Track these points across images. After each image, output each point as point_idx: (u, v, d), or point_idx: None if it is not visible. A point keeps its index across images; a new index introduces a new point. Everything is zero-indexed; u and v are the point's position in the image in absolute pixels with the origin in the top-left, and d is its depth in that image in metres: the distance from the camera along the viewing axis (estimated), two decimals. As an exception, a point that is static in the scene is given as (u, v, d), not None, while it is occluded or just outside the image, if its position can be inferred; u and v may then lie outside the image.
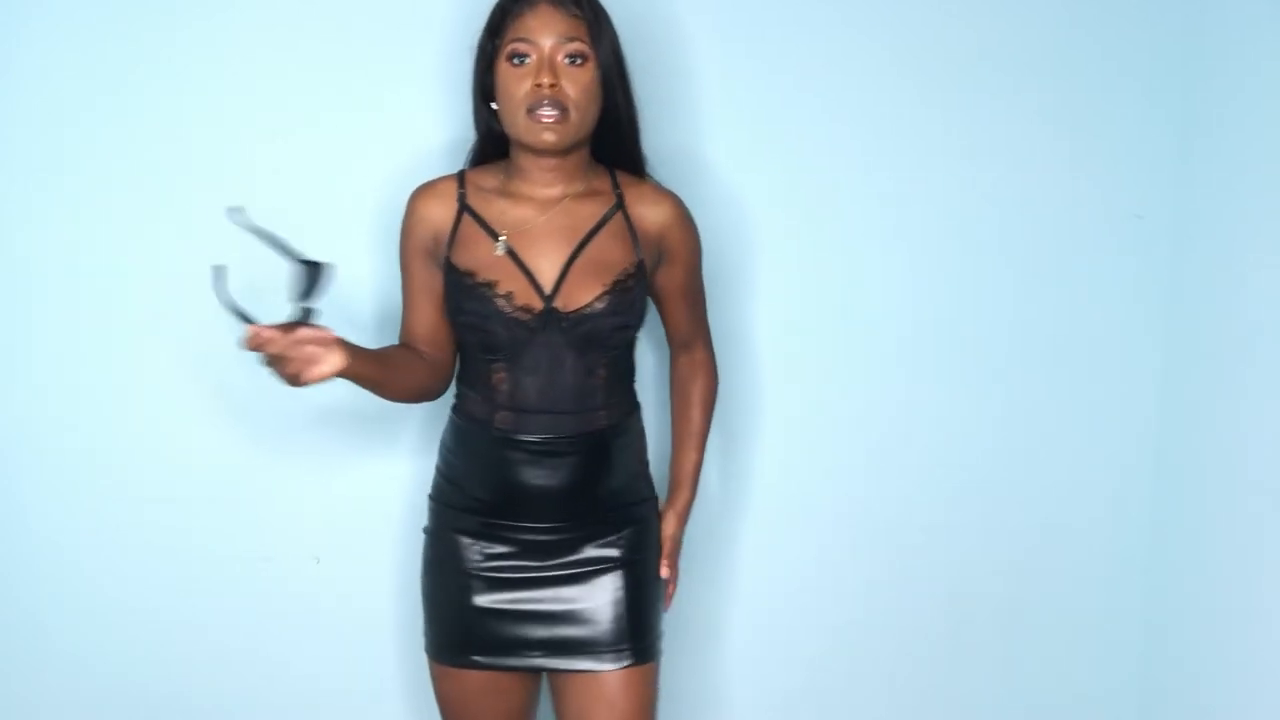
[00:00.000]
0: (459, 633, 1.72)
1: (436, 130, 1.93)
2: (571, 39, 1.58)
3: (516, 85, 1.58)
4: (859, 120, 2.07)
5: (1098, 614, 2.21)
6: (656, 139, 1.87)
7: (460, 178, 1.70)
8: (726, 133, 2.04)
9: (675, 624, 2.07)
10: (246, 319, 1.42)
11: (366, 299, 1.97)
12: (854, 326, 2.11)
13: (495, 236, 1.65)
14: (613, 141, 1.71)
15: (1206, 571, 2.04)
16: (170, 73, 1.92)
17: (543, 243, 1.65)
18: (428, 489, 1.98)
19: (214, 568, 2.00)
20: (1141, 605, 2.19)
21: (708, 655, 2.14)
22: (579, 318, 1.63)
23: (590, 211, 1.69)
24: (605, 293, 1.64)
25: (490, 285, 1.63)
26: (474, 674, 1.71)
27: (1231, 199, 1.99)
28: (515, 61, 1.59)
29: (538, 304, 1.62)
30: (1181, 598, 2.10)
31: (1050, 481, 2.18)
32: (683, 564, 2.01)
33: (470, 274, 1.63)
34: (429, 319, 1.70)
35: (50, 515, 1.98)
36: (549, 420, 1.66)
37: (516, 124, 1.60)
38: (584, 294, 1.63)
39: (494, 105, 1.66)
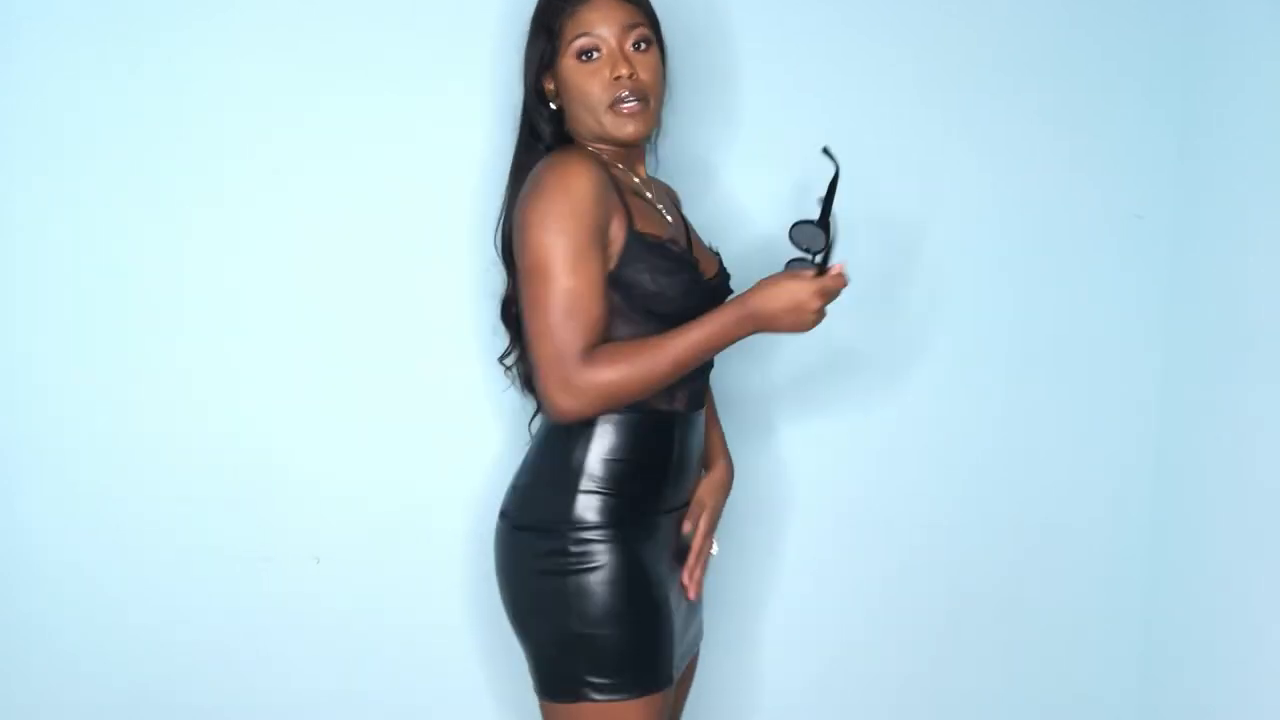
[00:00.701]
0: (662, 653, 1.58)
1: (435, 130, 1.93)
2: (635, 25, 1.57)
3: (591, 81, 1.56)
4: (858, 120, 2.07)
5: (1098, 614, 2.21)
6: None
7: (587, 150, 1.59)
8: (726, 132, 2.04)
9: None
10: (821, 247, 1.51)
11: (368, 300, 1.98)
12: (853, 326, 2.11)
13: (655, 207, 1.62)
14: None
15: (1206, 571, 2.04)
16: (171, 72, 1.92)
17: (669, 214, 1.67)
18: (428, 488, 1.98)
19: (214, 568, 2.00)
20: (1141, 605, 2.19)
21: (706, 655, 2.14)
22: (719, 284, 1.65)
23: (660, 188, 1.74)
24: (721, 262, 1.72)
25: (687, 251, 1.60)
26: (667, 692, 1.59)
27: (1231, 199, 2.00)
28: (584, 58, 1.56)
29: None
30: (1182, 598, 2.10)
31: (1050, 481, 2.18)
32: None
33: (674, 241, 1.57)
34: (607, 304, 1.51)
35: (50, 515, 1.98)
36: (702, 391, 1.66)
37: (600, 121, 1.57)
38: (710, 263, 1.68)
39: (553, 105, 1.63)
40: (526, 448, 1.72)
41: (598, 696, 1.53)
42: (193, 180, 1.94)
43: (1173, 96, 2.10)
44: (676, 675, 1.63)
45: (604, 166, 1.55)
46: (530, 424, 1.80)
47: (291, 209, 1.96)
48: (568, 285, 1.46)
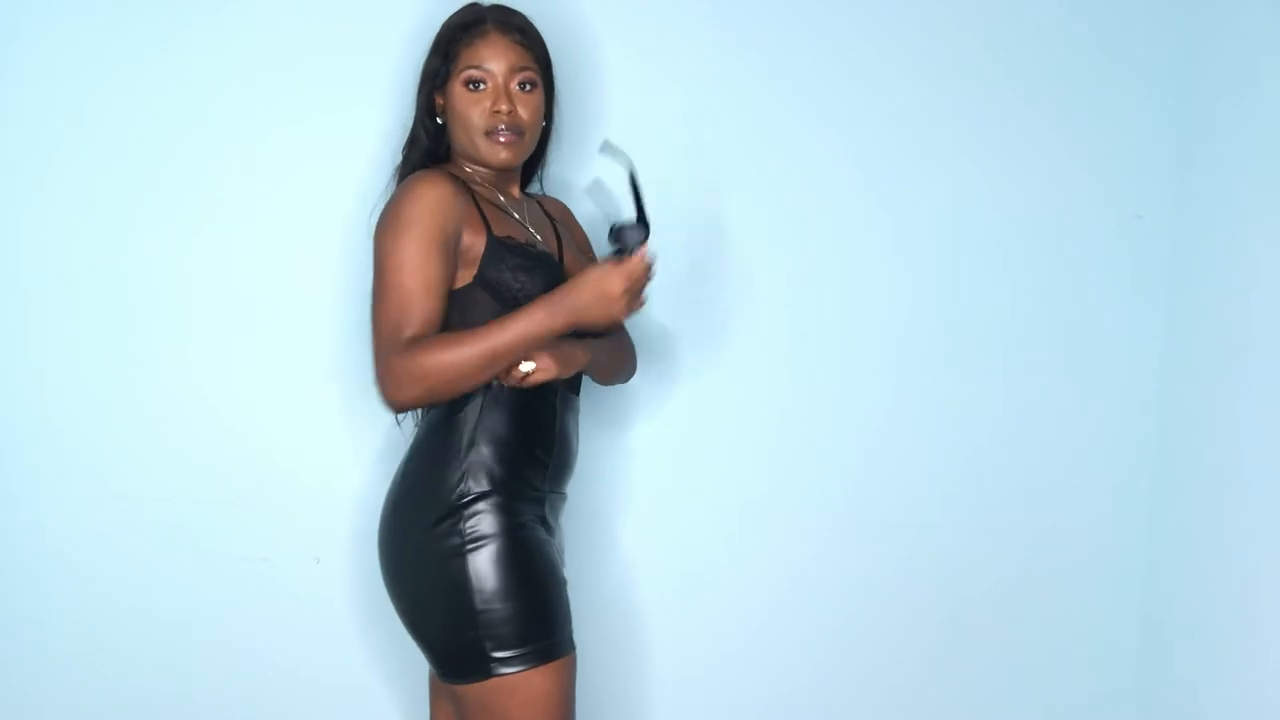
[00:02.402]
0: (559, 618, 1.64)
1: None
2: (524, 68, 1.68)
3: (473, 109, 1.67)
4: (860, 121, 2.07)
5: (1096, 614, 2.21)
6: (657, 136, 1.89)
7: (445, 171, 1.68)
8: (728, 131, 2.04)
9: (666, 622, 2.07)
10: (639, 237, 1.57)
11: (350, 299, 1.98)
12: (854, 326, 2.11)
13: (511, 217, 1.69)
14: (533, 151, 1.79)
15: (1205, 571, 2.04)
16: (164, 74, 1.93)
17: (536, 229, 1.74)
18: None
19: (214, 568, 2.00)
20: (1140, 605, 2.19)
21: (699, 654, 2.14)
22: None
23: (537, 207, 1.81)
24: None
25: (551, 254, 1.70)
26: (573, 658, 1.65)
27: (1231, 199, 2.00)
28: (470, 87, 1.67)
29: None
30: (1180, 598, 2.10)
31: (1050, 481, 2.18)
32: (673, 561, 2.07)
33: (531, 245, 1.67)
34: (444, 308, 1.61)
35: (50, 515, 1.98)
36: (578, 377, 1.73)
37: (475, 144, 1.68)
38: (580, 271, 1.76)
39: (439, 120, 1.72)
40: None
41: (505, 670, 1.57)
42: (196, 181, 1.95)
43: (1173, 96, 2.10)
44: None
45: (460, 183, 1.65)
46: (399, 416, 1.80)
47: (294, 211, 1.96)
48: (399, 284, 1.57)
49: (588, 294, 1.57)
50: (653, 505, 2.09)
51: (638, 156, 1.76)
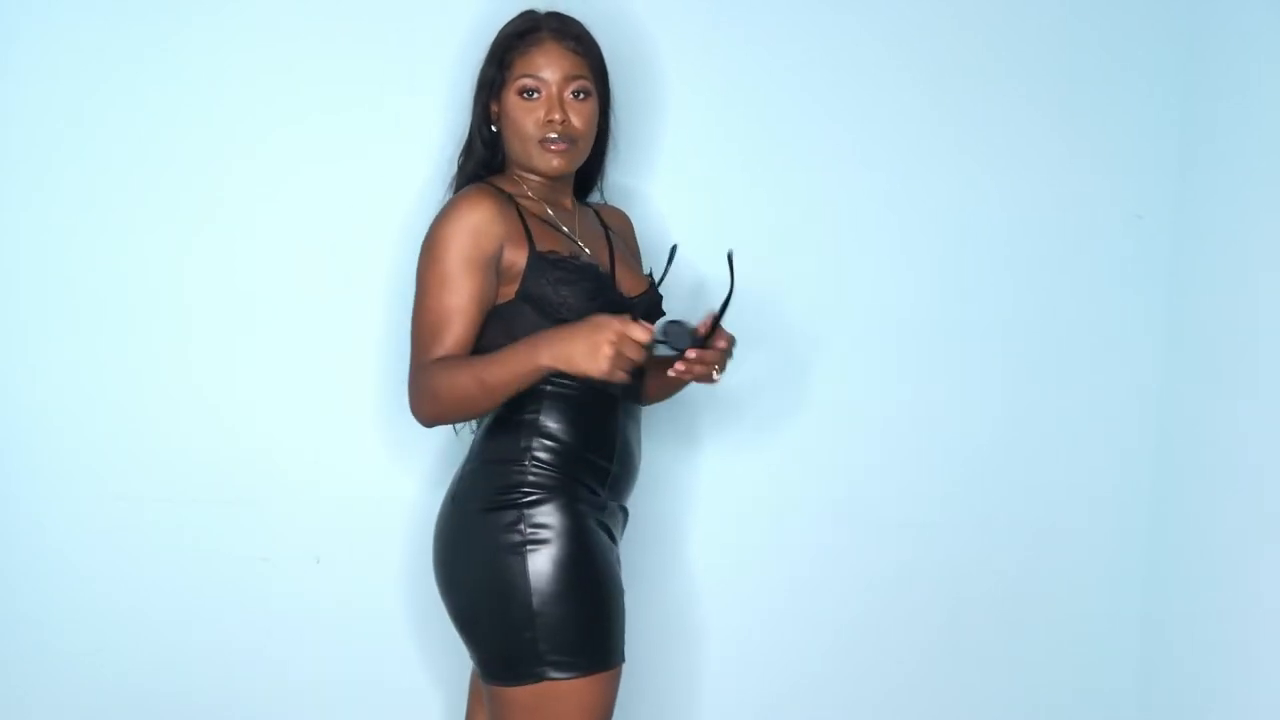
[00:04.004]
0: (616, 627, 1.62)
1: (435, 131, 1.93)
2: (578, 77, 1.68)
3: (527, 117, 1.67)
4: (860, 120, 2.07)
5: (1096, 614, 2.21)
6: (663, 141, 1.88)
7: (492, 187, 1.68)
8: (730, 131, 2.04)
9: (664, 623, 2.08)
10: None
11: (371, 301, 1.98)
12: (853, 326, 2.11)
13: (558, 230, 1.69)
14: (590, 160, 1.78)
15: (1205, 571, 2.04)
16: (164, 74, 1.93)
17: (588, 240, 1.73)
18: (428, 488, 1.98)
19: (214, 568, 2.00)
20: (1140, 605, 2.19)
21: (700, 655, 2.14)
22: (640, 300, 1.73)
23: (593, 218, 1.80)
24: (651, 283, 1.78)
25: (597, 265, 1.69)
26: (620, 671, 1.63)
27: (1231, 199, 2.00)
28: (525, 95, 1.67)
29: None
30: (1180, 598, 2.10)
31: (1049, 481, 2.18)
32: (671, 563, 2.07)
33: (575, 257, 1.66)
34: (477, 326, 1.61)
35: (50, 515, 1.98)
36: (636, 388, 1.72)
37: (528, 153, 1.68)
38: (636, 283, 1.76)
39: (494, 128, 1.71)
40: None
41: (557, 675, 1.54)
42: (196, 181, 1.95)
43: (1173, 96, 2.10)
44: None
45: (506, 198, 1.65)
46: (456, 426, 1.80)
47: (294, 212, 1.96)
48: (433, 303, 1.59)
49: (579, 341, 1.50)
50: (646, 505, 2.09)
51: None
